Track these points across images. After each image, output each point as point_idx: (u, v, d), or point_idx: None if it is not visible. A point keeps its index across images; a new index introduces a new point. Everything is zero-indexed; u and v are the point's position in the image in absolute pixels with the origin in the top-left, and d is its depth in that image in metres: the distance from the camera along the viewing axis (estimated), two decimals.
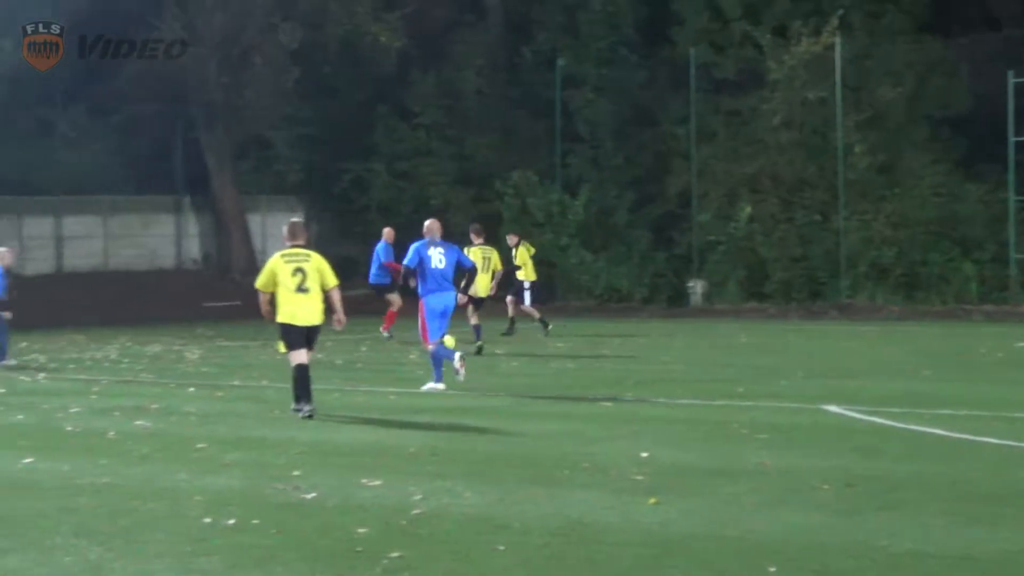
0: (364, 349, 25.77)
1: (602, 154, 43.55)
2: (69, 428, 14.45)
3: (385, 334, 27.53)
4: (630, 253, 41.62)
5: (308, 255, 15.66)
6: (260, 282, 15.68)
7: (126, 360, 24.26)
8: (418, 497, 9.87)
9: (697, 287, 40.37)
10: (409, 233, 39.61)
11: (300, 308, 15.38)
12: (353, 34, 43.61)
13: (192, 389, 18.61)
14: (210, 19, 42.58)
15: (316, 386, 17.47)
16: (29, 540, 8.62)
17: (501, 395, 17.36)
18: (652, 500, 9.61)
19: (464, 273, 19.19)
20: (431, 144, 45.35)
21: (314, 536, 8.66)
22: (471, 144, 45.20)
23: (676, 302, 40.52)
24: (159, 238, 45.91)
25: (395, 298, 27.58)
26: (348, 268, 45.54)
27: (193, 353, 25.49)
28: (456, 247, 19.27)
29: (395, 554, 8.08)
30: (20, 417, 15.52)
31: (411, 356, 23.82)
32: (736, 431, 13.25)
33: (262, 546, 8.38)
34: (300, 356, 15.39)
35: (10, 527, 9.01)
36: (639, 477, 10.60)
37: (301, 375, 15.35)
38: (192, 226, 46.83)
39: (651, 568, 7.78)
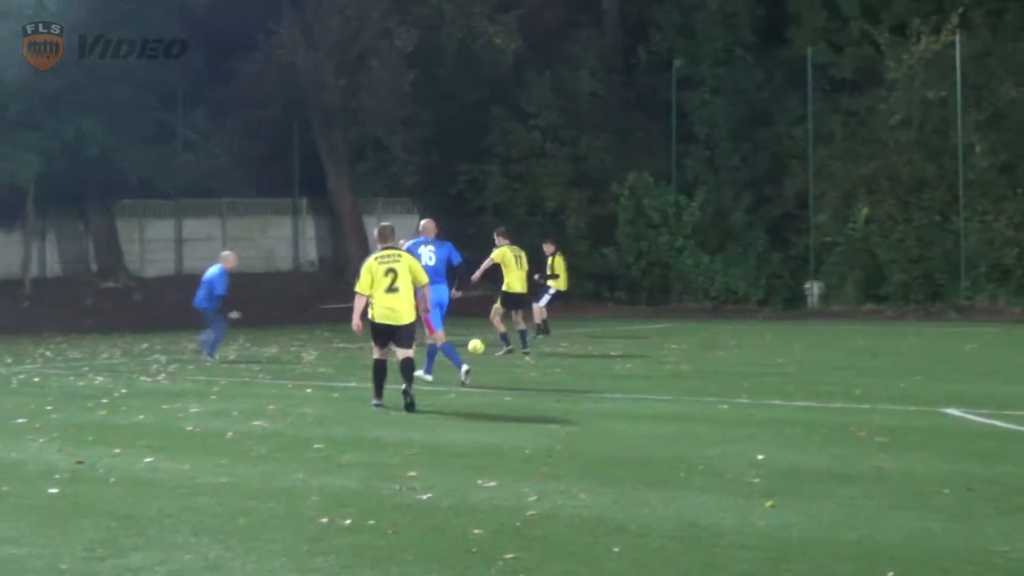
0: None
1: (718, 155, 43.36)
2: (189, 428, 14.63)
3: None
4: (746, 254, 41.41)
5: (399, 255, 16.45)
6: (361, 285, 16.21)
7: (244, 361, 24.53)
8: (533, 498, 9.87)
9: (814, 288, 40.05)
10: (523, 235, 39.85)
11: (389, 308, 16.12)
12: (469, 36, 43.76)
13: (309, 390, 18.77)
14: (327, 22, 42.94)
15: (432, 388, 17.68)
16: (151, 538, 8.74)
17: (616, 396, 17.33)
18: (768, 503, 9.54)
19: (455, 269, 20.44)
20: (546, 146, 45.41)
21: (429, 537, 8.69)
22: (586, 145, 45.17)
23: (792, 304, 40.25)
24: (277, 240, 46.43)
25: None
26: (469, 270, 45.80)
27: (310, 354, 25.72)
28: (449, 244, 20.30)
29: (510, 555, 8.08)
30: (141, 417, 15.73)
31: (526, 358, 23.84)
32: (853, 434, 13.10)
33: (378, 546, 8.42)
34: (380, 352, 16.40)
35: (133, 525, 9.13)
36: (755, 480, 10.52)
37: (377, 369, 16.34)
38: (309, 228, 47.27)
39: (768, 572, 7.71)
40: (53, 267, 42.89)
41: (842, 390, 17.37)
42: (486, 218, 45.21)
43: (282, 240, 46.34)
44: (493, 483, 10.53)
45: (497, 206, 45.47)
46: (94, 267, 42.92)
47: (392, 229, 16.92)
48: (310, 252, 47.15)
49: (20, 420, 15.48)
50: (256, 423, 14.85)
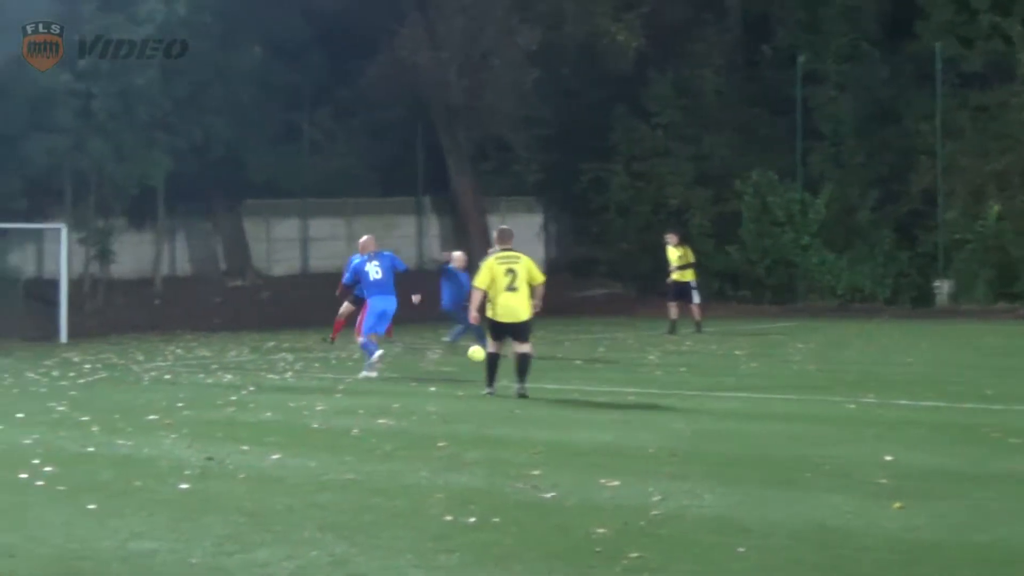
0: (602, 349, 25.82)
1: (844, 151, 42.86)
2: (315, 425, 14.78)
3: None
4: (873, 252, 40.86)
5: (518, 257, 17.53)
6: (479, 280, 17.42)
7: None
8: (657, 498, 9.83)
9: (943, 287, 39.44)
10: (649, 234, 39.76)
11: (509, 307, 17.20)
12: (591, 34, 43.67)
13: (433, 388, 18.87)
14: (450, 22, 43.09)
15: (555, 386, 17.83)
16: (278, 534, 8.83)
17: (741, 395, 17.21)
18: (897, 505, 9.40)
19: (400, 276, 22.25)
20: (669, 144, 45.17)
21: (553, 535, 8.68)
22: (709, 143, 44.88)
23: (921, 302, 39.63)
24: (401, 239, 46.59)
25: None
26: (587, 268, 45.83)
27: (434, 352, 25.85)
28: (389, 254, 22.28)
29: (634, 554, 8.05)
30: (269, 415, 15.92)
31: (650, 357, 23.78)
32: (985, 435, 12.88)
33: (502, 544, 8.43)
34: (494, 346, 17.49)
35: (260, 521, 9.24)
36: (883, 481, 10.38)
37: (491, 361, 17.43)
38: (433, 227, 47.50)
39: (896, 575, 7.61)
40: (183, 266, 43.51)
41: (973, 390, 17.08)
42: (609, 217, 45.14)
43: (406, 239, 46.53)
44: (617, 482, 10.50)
45: (619, 205, 45.35)
46: (223, 266, 43.46)
47: (511, 232, 18.01)
48: (433, 251, 47.34)
49: (152, 417, 15.75)
50: (381, 421, 14.95)
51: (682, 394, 17.40)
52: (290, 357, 25.33)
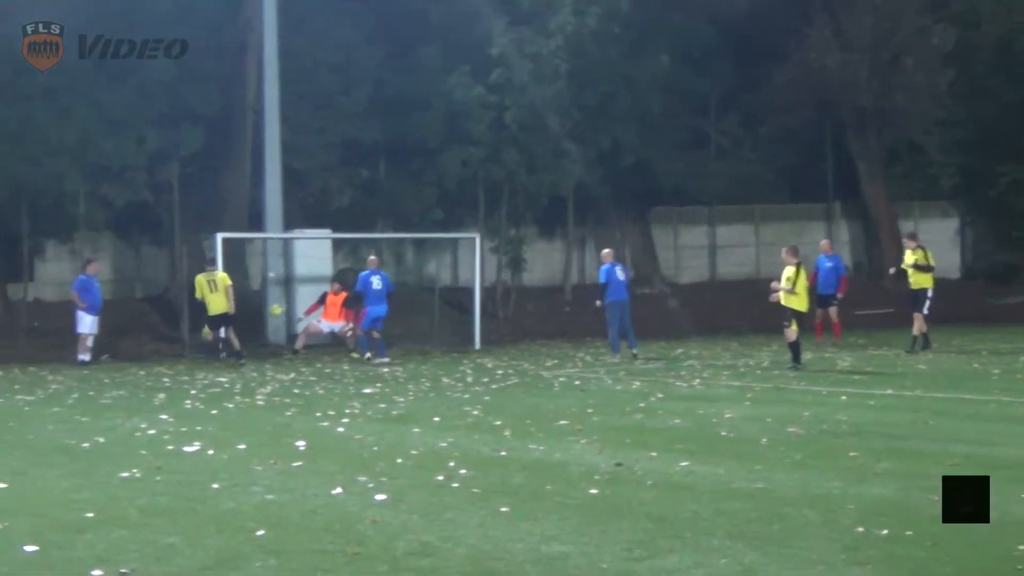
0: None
1: None
2: (723, 433, 14.72)
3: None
4: None
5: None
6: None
7: (778, 367, 24.47)
8: None
9: None
10: None
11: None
12: (1009, 32, 42.14)
13: (844, 397, 18.52)
14: (860, 23, 42.33)
15: (974, 396, 17.18)
16: (687, 541, 8.83)
17: None
18: None
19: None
20: None
21: (970, 551, 8.37)
22: None
23: None
24: (810, 246, 46.00)
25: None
26: (1006, 274, 44.17)
27: (844, 361, 25.38)
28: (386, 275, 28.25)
29: None
30: (677, 421, 15.96)
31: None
32: None
33: (916, 558, 8.19)
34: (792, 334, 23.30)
35: (669, 527, 9.26)
36: None
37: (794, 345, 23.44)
38: (843, 233, 46.73)
39: None
40: (592, 274, 44.20)
41: None
42: None
43: (816, 246, 45.95)
44: None
45: None
46: (631, 273, 43.91)
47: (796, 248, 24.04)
48: (845, 258, 46.59)
49: (562, 422, 16.02)
50: (791, 429, 14.78)
51: None
52: (697, 364, 25.34)
